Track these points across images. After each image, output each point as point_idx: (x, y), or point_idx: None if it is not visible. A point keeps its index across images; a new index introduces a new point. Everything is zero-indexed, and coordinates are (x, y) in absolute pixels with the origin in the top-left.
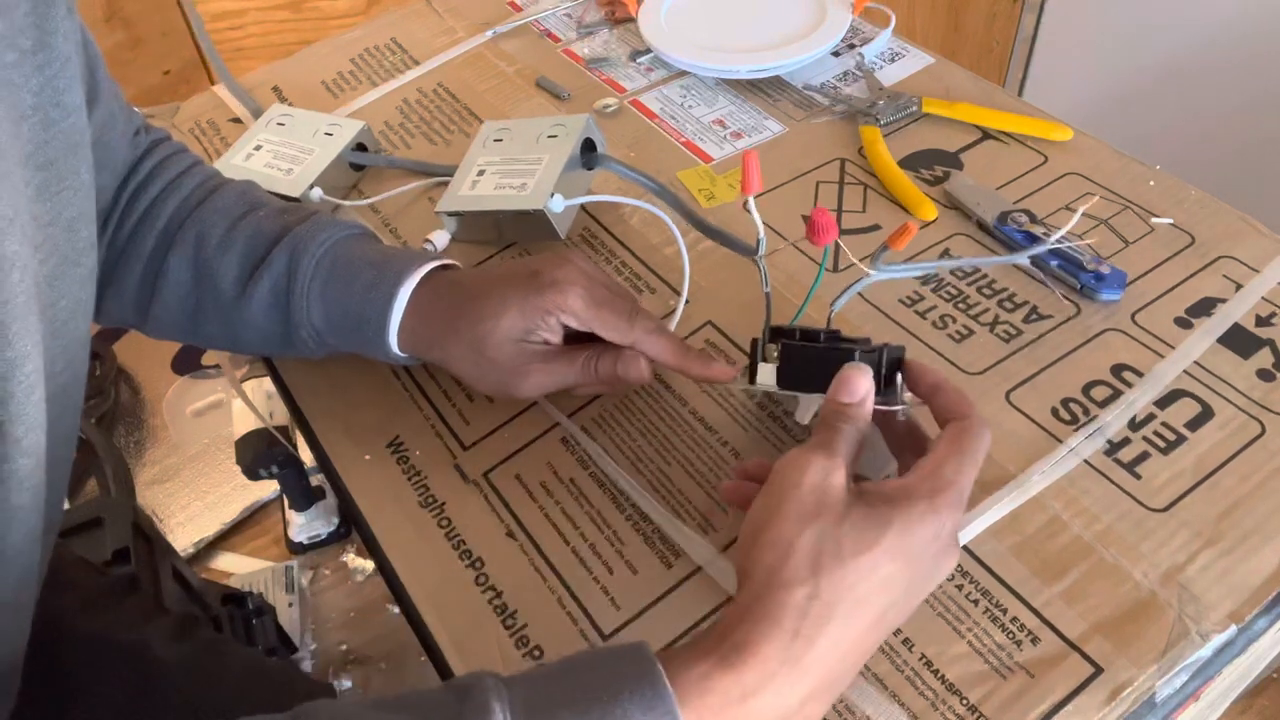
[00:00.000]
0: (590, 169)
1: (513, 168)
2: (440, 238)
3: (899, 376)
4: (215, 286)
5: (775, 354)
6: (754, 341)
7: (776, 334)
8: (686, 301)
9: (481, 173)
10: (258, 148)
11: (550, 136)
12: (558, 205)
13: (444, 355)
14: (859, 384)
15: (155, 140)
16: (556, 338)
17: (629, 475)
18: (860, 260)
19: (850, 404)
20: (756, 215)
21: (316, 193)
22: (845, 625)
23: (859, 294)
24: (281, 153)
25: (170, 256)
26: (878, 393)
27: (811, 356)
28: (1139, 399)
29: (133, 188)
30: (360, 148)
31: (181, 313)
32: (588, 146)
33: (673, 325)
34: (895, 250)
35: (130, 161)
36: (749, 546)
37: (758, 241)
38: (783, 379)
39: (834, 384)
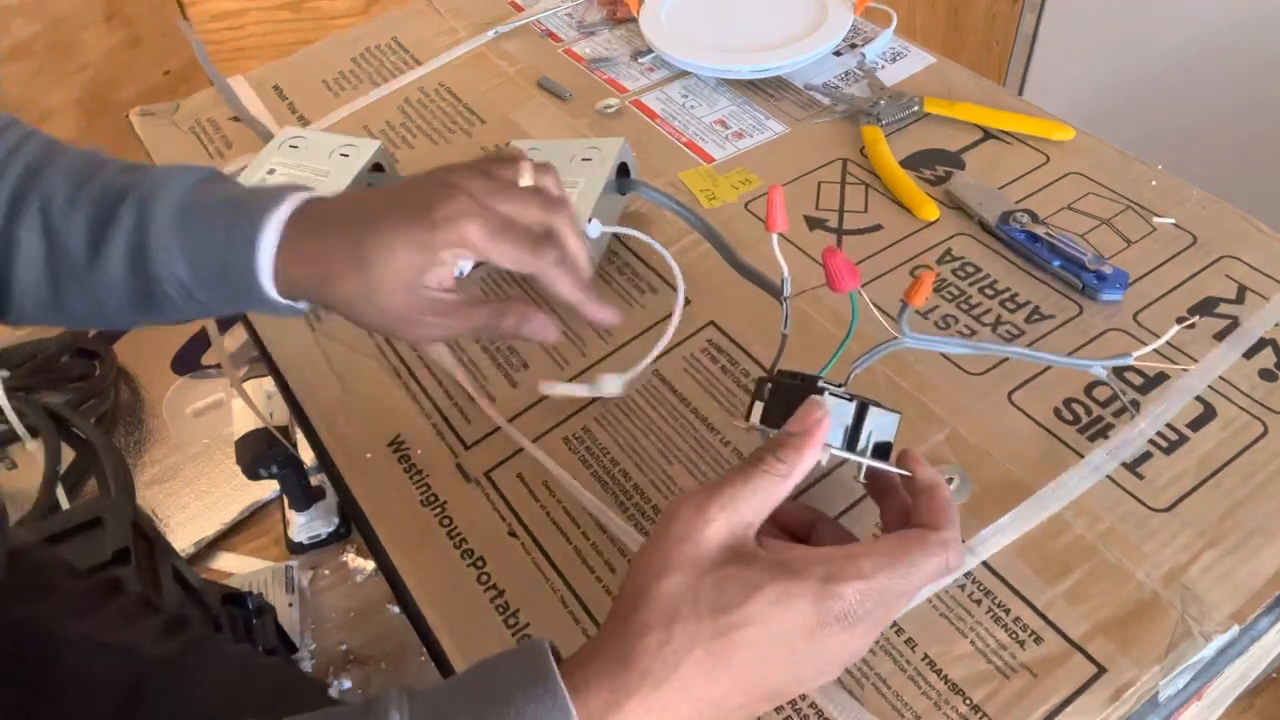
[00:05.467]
0: (623, 194)
1: None
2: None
3: (873, 437)
4: (68, 252)
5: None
6: (759, 381)
7: (784, 377)
8: (687, 302)
9: None
10: (271, 171)
11: (584, 160)
12: (594, 231)
13: (331, 301)
14: (810, 415)
15: None
16: (451, 276)
17: (601, 496)
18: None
19: (793, 434)
20: (780, 256)
21: None
22: (697, 676)
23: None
24: (297, 176)
25: (18, 230)
26: (842, 444)
27: (790, 393)
28: (1165, 413)
29: None
30: (377, 168)
31: (41, 288)
32: (621, 171)
33: (672, 326)
34: (914, 305)
35: None
36: (625, 582)
37: (782, 282)
38: (766, 416)
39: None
